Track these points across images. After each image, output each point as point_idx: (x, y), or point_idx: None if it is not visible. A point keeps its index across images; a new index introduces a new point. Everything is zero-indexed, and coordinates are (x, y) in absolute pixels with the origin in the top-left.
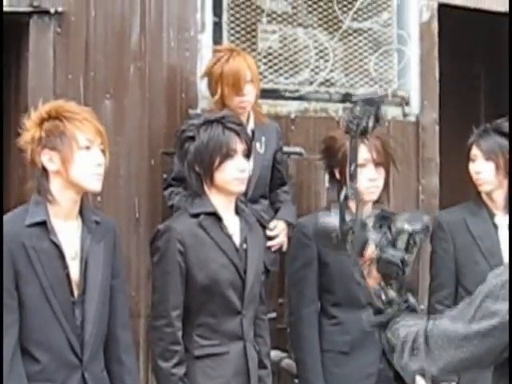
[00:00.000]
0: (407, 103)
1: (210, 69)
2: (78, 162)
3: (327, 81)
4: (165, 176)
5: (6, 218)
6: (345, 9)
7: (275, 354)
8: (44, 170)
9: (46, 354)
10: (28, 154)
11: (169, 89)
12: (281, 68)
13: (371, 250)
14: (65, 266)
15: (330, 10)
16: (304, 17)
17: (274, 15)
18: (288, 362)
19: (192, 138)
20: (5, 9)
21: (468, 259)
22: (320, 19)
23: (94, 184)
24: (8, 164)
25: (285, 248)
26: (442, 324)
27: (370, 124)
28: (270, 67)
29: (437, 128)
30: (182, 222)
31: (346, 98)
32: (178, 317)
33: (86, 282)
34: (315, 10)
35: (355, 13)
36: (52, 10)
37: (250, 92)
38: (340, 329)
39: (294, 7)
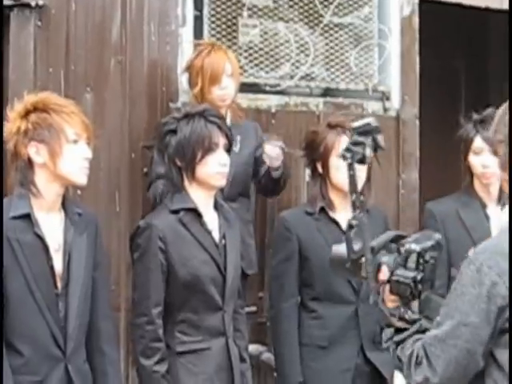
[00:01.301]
0: (388, 98)
1: (191, 62)
2: (65, 156)
3: (308, 75)
4: (145, 170)
5: None
6: (326, 3)
7: (255, 347)
8: (29, 162)
9: (29, 347)
10: (11, 146)
11: (149, 82)
12: (261, 62)
13: (384, 273)
14: (48, 259)
15: (311, 5)
16: (285, 11)
17: (255, 9)
18: (268, 356)
19: (173, 132)
20: None
21: (460, 250)
22: (301, 13)
23: (81, 178)
24: None
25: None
26: (433, 332)
27: (368, 153)
28: (251, 61)
29: (417, 123)
30: (162, 218)
31: (326, 92)
32: (159, 314)
33: (69, 274)
34: (296, 4)
35: (336, 7)
36: (33, 4)
37: (229, 85)
38: (319, 323)
39: (274, 1)
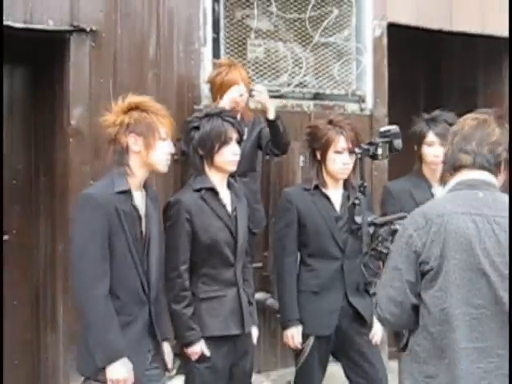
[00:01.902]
0: (363, 101)
1: (213, 79)
2: (157, 149)
3: (301, 83)
4: (176, 157)
5: (98, 185)
6: (315, 27)
7: (261, 295)
8: (126, 148)
9: (125, 294)
10: (112, 134)
11: (178, 90)
12: (265, 73)
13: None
14: (140, 225)
15: (303, 28)
16: (283, 33)
17: (260, 32)
18: (271, 302)
19: (197, 128)
20: (51, 27)
21: None
22: (295, 35)
23: (164, 168)
24: (55, 145)
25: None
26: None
27: (379, 152)
28: (257, 72)
29: (386, 120)
30: (187, 195)
31: (315, 96)
32: (185, 270)
33: (150, 237)
34: (292, 28)
35: (323, 30)
36: (88, 29)
37: (242, 93)
38: (312, 274)
39: (275, 26)
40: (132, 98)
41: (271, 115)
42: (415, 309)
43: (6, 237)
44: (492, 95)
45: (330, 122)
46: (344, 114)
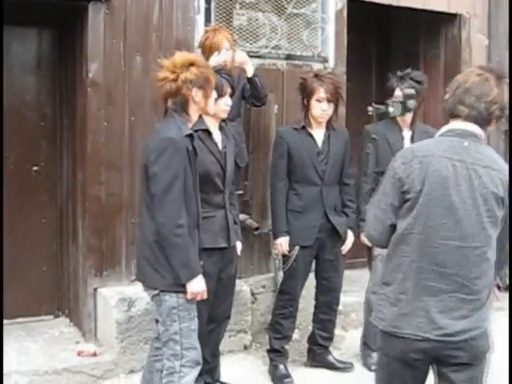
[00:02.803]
0: (326, 61)
1: (203, 43)
2: (211, 100)
3: (276, 46)
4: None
5: (171, 130)
6: (288, 0)
7: (242, 216)
8: (188, 99)
9: (191, 220)
10: (173, 88)
11: (177, 49)
12: (247, 37)
13: None
14: (195, 162)
15: (279, 1)
16: (263, 5)
17: (244, 3)
18: (250, 221)
19: None
20: None
21: (384, 158)
22: (273, 7)
23: (212, 111)
24: (75, 94)
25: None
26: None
27: (390, 110)
28: (241, 37)
29: (345, 77)
30: None
31: (288, 57)
32: None
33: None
34: (270, 1)
35: (295, 3)
36: None
37: (228, 56)
38: (297, 196)
39: None
40: (183, 56)
41: (249, 73)
42: (392, 228)
43: (35, 167)
44: (431, 59)
45: (315, 76)
46: (311, 71)
